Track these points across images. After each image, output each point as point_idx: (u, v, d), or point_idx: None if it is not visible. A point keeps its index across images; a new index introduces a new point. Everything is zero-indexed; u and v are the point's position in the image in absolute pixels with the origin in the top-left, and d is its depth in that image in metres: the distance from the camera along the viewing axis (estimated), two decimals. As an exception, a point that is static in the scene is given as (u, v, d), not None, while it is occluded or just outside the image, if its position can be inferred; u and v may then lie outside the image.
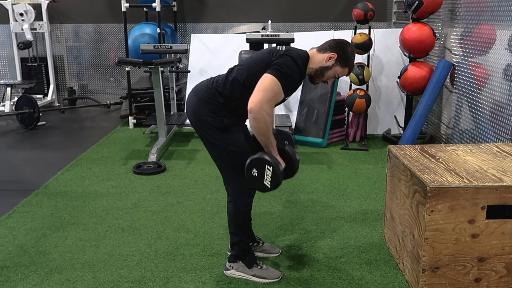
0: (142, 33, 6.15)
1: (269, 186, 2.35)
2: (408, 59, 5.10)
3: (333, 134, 5.28)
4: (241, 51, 4.78)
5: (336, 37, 5.73)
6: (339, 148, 5.07)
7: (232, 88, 2.42)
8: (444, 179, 2.31)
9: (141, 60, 4.53)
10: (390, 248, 2.91)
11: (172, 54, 5.07)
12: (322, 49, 2.48)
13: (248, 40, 5.08)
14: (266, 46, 5.22)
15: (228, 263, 2.68)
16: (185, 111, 2.54)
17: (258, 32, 6.15)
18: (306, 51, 2.49)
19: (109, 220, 3.38)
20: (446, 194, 2.25)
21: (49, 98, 7.26)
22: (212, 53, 6.07)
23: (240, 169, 2.49)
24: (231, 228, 2.61)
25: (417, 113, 4.80)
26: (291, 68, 2.33)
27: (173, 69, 5.12)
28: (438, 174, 2.38)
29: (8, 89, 6.52)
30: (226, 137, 2.46)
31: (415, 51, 4.88)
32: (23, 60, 7.30)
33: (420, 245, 2.36)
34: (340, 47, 2.47)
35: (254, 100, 2.26)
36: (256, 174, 2.36)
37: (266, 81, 2.30)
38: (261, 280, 2.61)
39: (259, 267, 2.64)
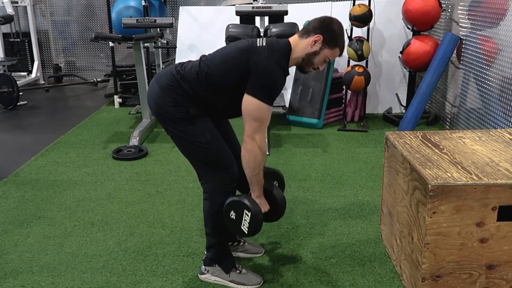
0: (127, 6, 5.74)
1: (246, 232, 2.14)
2: (412, 33, 4.72)
3: (329, 114, 4.93)
4: (228, 25, 4.39)
5: (334, 9, 5.36)
6: (336, 129, 4.73)
7: (202, 84, 2.11)
8: (449, 175, 1.98)
9: (120, 35, 4.16)
10: (387, 247, 2.60)
11: (158, 29, 4.69)
12: (304, 33, 2.15)
13: (238, 13, 4.69)
14: (257, 19, 4.84)
15: (203, 266, 2.38)
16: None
17: (250, 3, 5.74)
18: (287, 41, 2.15)
19: (78, 213, 3.08)
20: (451, 193, 1.92)
21: (33, 75, 6.91)
22: (202, 27, 5.68)
23: (214, 162, 2.19)
24: (207, 228, 2.30)
25: (420, 91, 4.44)
26: (275, 77, 2.05)
27: (156, 44, 4.74)
28: (442, 168, 2.05)
29: (-12, 66, 6.17)
30: (193, 129, 2.13)
31: (419, 24, 4.49)
32: (5, 36, 6.93)
33: (419, 250, 2.04)
34: (324, 27, 2.12)
35: (247, 137, 2.05)
36: (234, 218, 2.15)
37: (252, 109, 2.03)
38: (239, 286, 2.31)
39: (237, 271, 2.34)
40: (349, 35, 4.68)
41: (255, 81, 2.03)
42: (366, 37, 4.74)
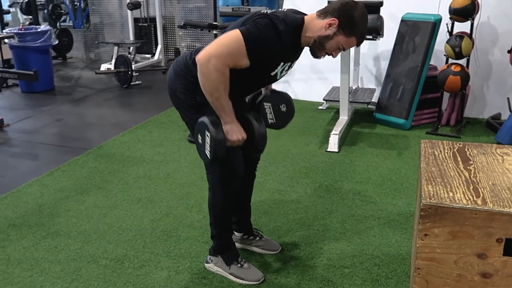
0: (233, -6, 5.90)
1: (208, 156, 1.99)
2: (527, 29, 4.13)
3: (422, 115, 4.55)
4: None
5: (443, 1, 4.87)
6: (425, 132, 4.35)
7: None
8: (451, 195, 1.73)
9: (206, 23, 4.31)
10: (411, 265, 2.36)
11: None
12: (322, 13, 2.00)
13: (330, 2, 4.54)
14: (351, 10, 4.63)
15: (208, 255, 2.41)
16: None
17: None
18: (301, 16, 2.03)
19: (133, 189, 3.30)
20: (446, 215, 1.68)
21: (155, 58, 7.48)
22: (304, 17, 5.61)
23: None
24: (210, 218, 2.33)
25: (525, 97, 3.88)
26: (266, 32, 1.92)
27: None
28: (448, 186, 1.80)
29: (115, 47, 6.84)
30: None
31: (532, 20, 3.90)
32: (136, 20, 7.58)
33: (412, 274, 1.83)
34: (344, 11, 1.96)
35: (204, 51, 1.91)
36: (200, 141, 2.01)
37: (228, 35, 1.93)
38: (237, 280, 2.30)
39: (239, 265, 2.32)
40: (449, 30, 4.25)
41: (246, 25, 1.94)
42: (470, 32, 4.26)
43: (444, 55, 4.28)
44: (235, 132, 2.01)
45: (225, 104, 1.98)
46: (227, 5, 5.23)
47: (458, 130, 4.34)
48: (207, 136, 1.95)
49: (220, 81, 1.91)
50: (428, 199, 1.70)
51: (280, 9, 2.05)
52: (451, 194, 1.74)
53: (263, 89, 2.39)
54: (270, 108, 2.33)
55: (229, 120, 2.00)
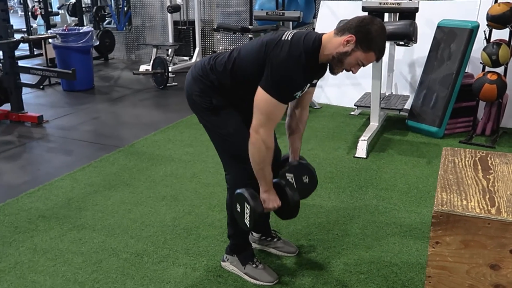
0: (270, -2, 5.94)
1: (248, 225, 2.12)
2: None
3: (457, 124, 4.44)
4: (340, 21, 4.25)
5: (482, 7, 4.73)
6: (458, 141, 4.25)
7: (227, 75, 2.13)
8: (464, 203, 1.69)
9: (239, 26, 4.36)
10: (428, 275, 2.31)
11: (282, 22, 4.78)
12: (340, 31, 2.01)
13: (364, 9, 4.51)
14: (386, 15, 4.59)
15: (225, 254, 2.44)
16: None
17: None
18: (318, 37, 2.04)
19: (159, 187, 3.38)
20: (458, 224, 1.65)
21: (193, 60, 7.60)
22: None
23: (234, 155, 2.21)
24: (228, 218, 2.36)
25: None
26: (288, 72, 1.97)
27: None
28: (463, 194, 1.76)
29: (154, 49, 7.00)
30: (217, 119, 2.19)
31: None
32: (175, 23, 7.74)
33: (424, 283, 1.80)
34: (361, 27, 1.96)
35: (252, 127, 2.03)
36: (239, 210, 2.14)
37: (261, 102, 2.01)
38: (252, 280, 2.32)
39: (254, 265, 2.34)
40: (486, 37, 4.14)
41: (268, 74, 1.98)
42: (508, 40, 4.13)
43: (480, 62, 4.17)
44: (271, 201, 2.13)
45: (267, 175, 2.10)
46: (262, 9, 5.27)
47: (493, 140, 4.22)
48: (247, 207, 2.08)
49: (267, 153, 2.04)
50: (440, 206, 1.67)
51: (288, 36, 2.05)
52: (465, 202, 1.70)
53: (290, 156, 2.42)
54: (292, 178, 2.38)
55: (267, 189, 2.12)
